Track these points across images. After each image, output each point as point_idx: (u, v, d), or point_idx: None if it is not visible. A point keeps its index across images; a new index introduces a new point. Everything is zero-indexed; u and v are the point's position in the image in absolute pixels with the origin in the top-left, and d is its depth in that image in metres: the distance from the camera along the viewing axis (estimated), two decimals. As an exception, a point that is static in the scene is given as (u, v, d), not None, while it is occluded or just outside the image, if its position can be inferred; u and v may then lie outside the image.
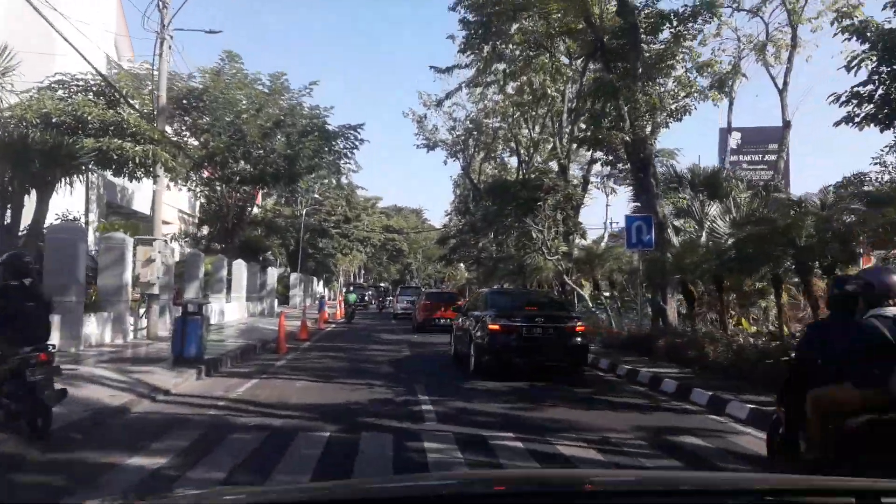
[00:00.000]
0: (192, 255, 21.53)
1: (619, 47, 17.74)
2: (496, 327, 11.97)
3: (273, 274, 35.56)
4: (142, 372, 10.58)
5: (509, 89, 34.19)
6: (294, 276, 43.98)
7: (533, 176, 25.07)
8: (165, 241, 17.78)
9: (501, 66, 28.30)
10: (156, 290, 15.93)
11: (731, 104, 28.72)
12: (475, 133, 43.77)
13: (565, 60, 25.46)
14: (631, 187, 24.88)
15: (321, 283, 71.92)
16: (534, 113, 30.29)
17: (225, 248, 29.69)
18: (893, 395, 4.53)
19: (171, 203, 32.69)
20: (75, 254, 12.93)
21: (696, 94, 17.81)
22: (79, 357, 11.88)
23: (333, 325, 28.11)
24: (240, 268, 27.63)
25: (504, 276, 27.37)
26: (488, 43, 26.59)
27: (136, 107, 16.84)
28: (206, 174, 28.95)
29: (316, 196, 49.82)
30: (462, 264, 54.83)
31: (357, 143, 29.63)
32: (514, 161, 45.23)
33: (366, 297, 49.05)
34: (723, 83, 18.56)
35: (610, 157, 17.79)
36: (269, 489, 3.62)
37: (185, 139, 27.61)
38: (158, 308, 17.03)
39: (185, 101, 26.52)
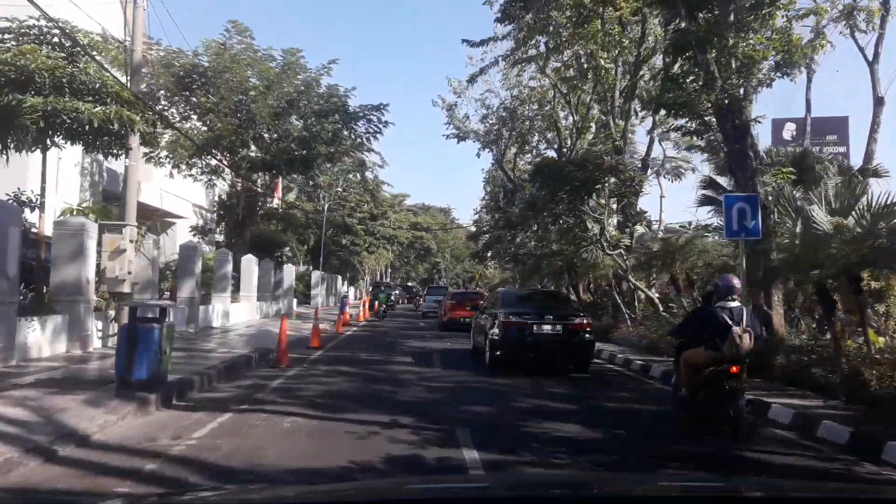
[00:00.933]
0: (185, 248, 18.43)
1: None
2: (508, 324, 12.90)
3: (290, 272, 32.47)
4: (63, 404, 7.37)
5: (550, 67, 30.91)
6: (316, 275, 40.91)
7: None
8: (141, 227, 14.62)
9: (543, 40, 24.93)
10: (125, 288, 12.78)
11: (809, 81, 25.07)
12: (509, 122, 40.35)
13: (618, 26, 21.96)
14: (707, 165, 21.40)
15: (346, 282, 69.01)
16: (581, 91, 26.69)
17: (234, 243, 26.63)
18: (724, 354, 7.31)
19: (184, 196, 29.85)
20: (3, 242, 9.78)
21: (797, 50, 14.14)
22: (-5, 378, 8.75)
23: (354, 329, 24.88)
24: (250, 264, 24.53)
25: (549, 275, 23.89)
26: (530, 11, 23.25)
27: (107, 67, 13.63)
28: (214, 161, 25.94)
29: (339, 190, 46.76)
30: (493, 263, 51.41)
31: (380, 125, 26.32)
32: (550, 154, 41.75)
33: (392, 297, 45.81)
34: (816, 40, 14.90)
35: (693, 126, 14.14)
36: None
37: (189, 121, 24.59)
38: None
39: (187, 80, 23.49)
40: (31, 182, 14.24)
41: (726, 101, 13.12)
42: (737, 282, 7.88)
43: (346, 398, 9.43)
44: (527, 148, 43.64)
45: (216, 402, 8.86)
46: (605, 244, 17.61)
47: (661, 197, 25.88)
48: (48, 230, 12.83)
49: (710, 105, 13.60)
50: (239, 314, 22.99)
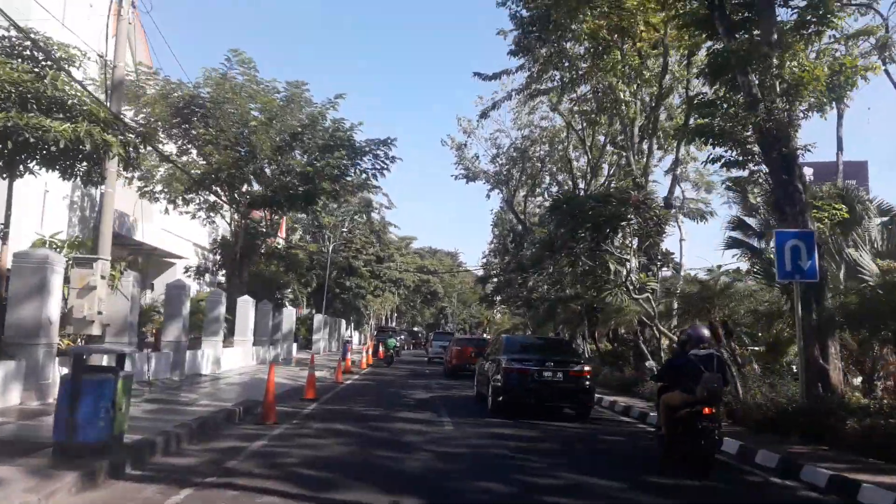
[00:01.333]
0: (172, 288, 16.96)
1: (740, 8, 13.00)
2: (510, 371, 13.20)
3: (291, 314, 30.92)
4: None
5: (565, 104, 29.81)
6: (318, 318, 39.35)
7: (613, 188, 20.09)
8: (119, 262, 13.21)
9: (559, 75, 23.81)
10: (94, 330, 11.28)
11: (840, 117, 23.80)
12: (520, 162, 39.22)
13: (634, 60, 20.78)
14: (733, 205, 19.93)
15: (351, 325, 67.26)
16: (598, 124, 25.45)
17: (231, 283, 25.17)
18: (698, 396, 7.98)
19: (185, 235, 28.57)
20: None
21: (851, 72, 12.80)
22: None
23: (356, 377, 23.20)
24: (246, 306, 23.00)
25: (565, 322, 22.27)
26: (545, 43, 22.18)
27: (80, 82, 12.38)
28: (212, 197, 24.68)
29: (344, 231, 45.48)
30: (502, 308, 49.82)
31: (387, 161, 25.05)
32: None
33: (397, 343, 44.12)
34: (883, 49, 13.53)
35: (734, 156, 12.71)
36: None
37: (188, 155, 23.39)
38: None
39: (186, 111, 22.37)
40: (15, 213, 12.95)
41: (771, 127, 11.74)
42: (706, 332, 8.97)
43: (338, 468, 7.81)
44: (538, 191, 42.44)
45: (178, 471, 7.27)
46: (630, 287, 16.05)
47: (681, 240, 24.48)
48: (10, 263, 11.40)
49: (752, 132, 12.24)
50: (232, 360, 21.39)
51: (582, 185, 31.79)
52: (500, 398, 13.32)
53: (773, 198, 12.44)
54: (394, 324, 72.82)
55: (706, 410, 7.91)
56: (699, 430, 7.90)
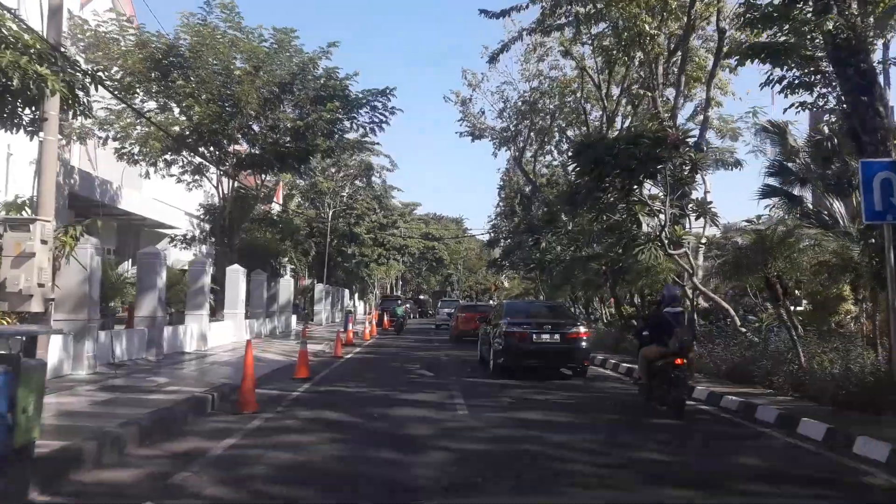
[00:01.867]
0: (144, 256, 15.01)
1: None
2: (510, 334, 13.79)
3: (288, 284, 29.04)
4: None
5: (577, 49, 27.53)
6: (319, 288, 37.54)
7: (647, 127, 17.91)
8: (75, 226, 11.24)
9: (573, 10, 21.46)
10: (35, 306, 9.31)
11: None
12: (529, 116, 36.92)
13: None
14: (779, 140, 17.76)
15: (355, 295, 65.49)
16: (619, 63, 23.10)
17: (219, 252, 23.23)
18: (671, 349, 9.13)
19: (176, 204, 26.54)
20: None
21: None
22: None
23: (357, 350, 21.36)
24: (236, 275, 21.08)
25: (585, 284, 20.27)
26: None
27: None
28: (198, 159, 22.61)
29: (343, 196, 43.38)
30: (511, 273, 47.92)
31: (386, 113, 22.85)
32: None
33: (404, 311, 42.36)
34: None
35: (796, 76, 10.55)
36: None
37: (167, 110, 21.25)
38: (62, 337, 10.54)
39: (164, 62, 20.18)
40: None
41: (848, 37, 9.57)
42: (678, 292, 10.58)
43: (322, 482, 5.88)
44: (547, 148, 40.17)
45: (104, 494, 5.37)
46: (665, 242, 14.00)
47: (706, 193, 22.27)
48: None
49: (820, 47, 10.09)
50: (221, 335, 19.54)
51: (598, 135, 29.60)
52: (501, 360, 14.02)
53: (847, 125, 10.31)
54: (399, 292, 71.03)
55: (678, 361, 9.09)
56: (672, 378, 9.10)
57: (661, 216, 14.41)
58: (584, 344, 13.97)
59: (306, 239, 38.13)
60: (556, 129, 38.56)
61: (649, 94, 21.03)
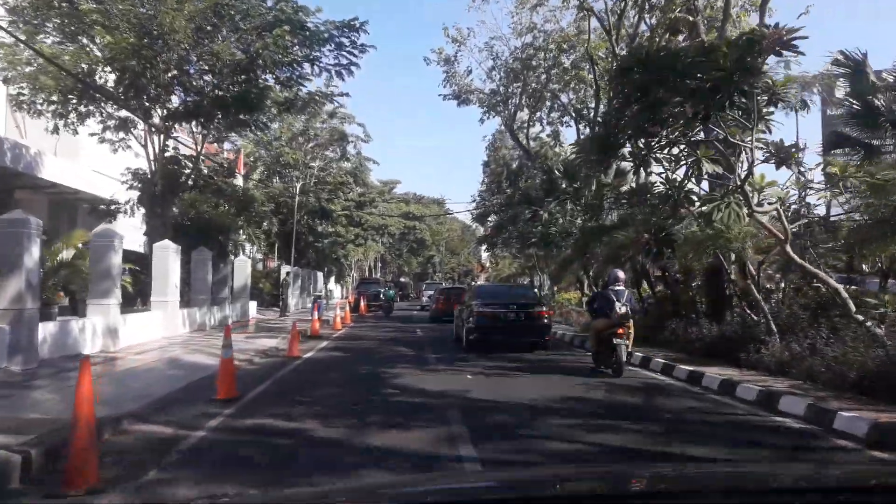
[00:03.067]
0: (5, 224, 10.47)
1: None
2: (480, 313, 15.44)
3: (244, 266, 24.62)
4: None
5: None
6: (286, 271, 33.00)
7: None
8: None
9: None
10: None
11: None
12: (522, 75, 32.56)
13: None
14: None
15: (332, 278, 60.97)
16: None
17: (150, 226, 18.76)
18: (613, 321, 11.04)
19: (107, 172, 21.81)
20: None
21: None
22: None
23: (324, 344, 17.06)
24: (165, 254, 16.60)
25: (610, 260, 16.05)
26: None
27: None
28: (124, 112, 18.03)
29: (312, 166, 38.80)
30: (499, 251, 43.69)
31: (355, 52, 18.38)
32: (570, 132, 34.12)
33: (381, 296, 37.99)
34: None
35: None
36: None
37: (75, 42, 16.61)
38: None
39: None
40: None
41: None
42: (621, 274, 12.25)
43: None
44: (537, 115, 35.82)
45: None
46: (750, 193, 9.80)
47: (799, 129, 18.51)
48: None
49: None
50: (144, 330, 15.13)
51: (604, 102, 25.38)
52: (473, 336, 15.39)
53: None
54: (378, 275, 66.57)
55: (619, 330, 11.08)
56: (614, 344, 11.05)
57: (744, 157, 10.21)
58: (545, 321, 15.92)
59: (271, 215, 33.60)
60: (548, 94, 34.30)
61: (683, 28, 16.71)
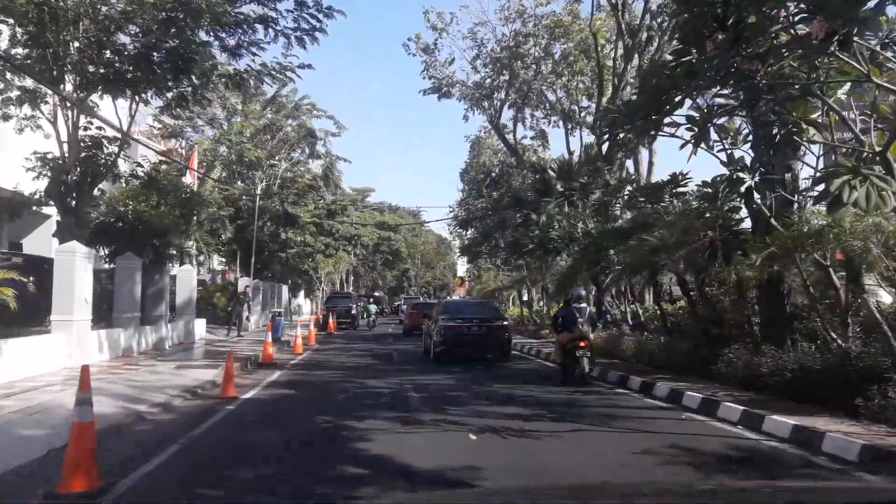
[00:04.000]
0: None
1: None
2: (446, 327, 16.29)
3: (189, 278, 20.93)
4: None
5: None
6: (244, 283, 29.24)
7: None
8: None
9: None
10: None
11: None
12: (510, 64, 29.34)
13: None
14: None
15: (301, 292, 57.09)
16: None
17: (62, 225, 15.05)
18: (576, 335, 11.99)
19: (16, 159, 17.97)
20: None
21: None
22: None
23: (276, 376, 13.45)
24: (71, 261, 12.89)
25: (637, 268, 12.68)
26: None
27: None
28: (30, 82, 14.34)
29: (278, 168, 35.11)
30: (484, 262, 40.28)
31: (319, 16, 14.94)
32: (557, 134, 31.03)
33: (353, 311, 34.35)
34: None
35: None
36: None
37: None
38: None
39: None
40: None
41: None
42: (583, 292, 14.32)
43: None
44: (525, 112, 32.62)
45: None
46: (893, 167, 6.55)
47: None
48: None
49: None
50: (37, 359, 11.42)
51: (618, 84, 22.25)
52: (439, 349, 16.27)
53: None
54: (350, 288, 62.76)
55: (581, 343, 11.94)
56: (577, 356, 11.88)
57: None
58: (506, 334, 16.81)
59: (226, 220, 29.88)
60: (533, 94, 31.16)
61: None
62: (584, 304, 13.00)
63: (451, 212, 66.27)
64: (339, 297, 37.06)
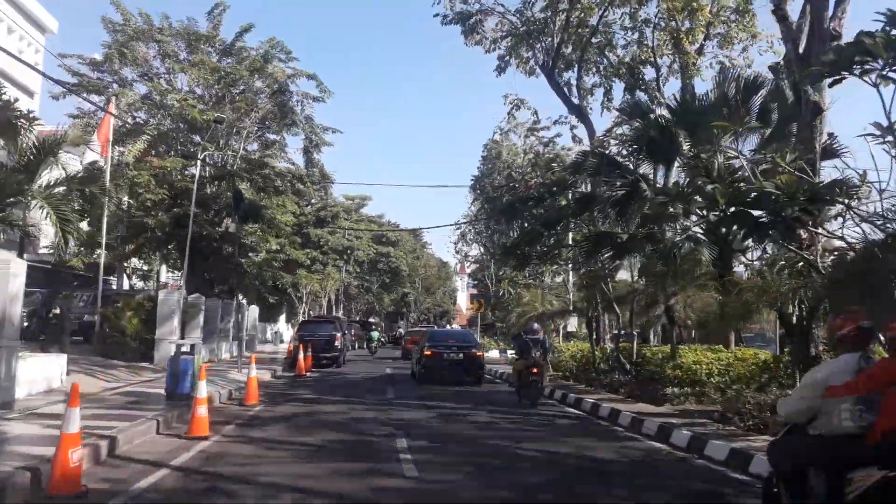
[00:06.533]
0: None
1: None
2: (428, 353, 18.88)
3: (11, 273, 11.13)
4: None
5: None
6: (175, 299, 19.41)
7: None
8: None
9: None
10: None
11: None
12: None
13: None
14: None
15: (283, 316, 47.03)
16: None
17: None
18: (529, 362, 13.87)
19: None
20: None
21: None
22: None
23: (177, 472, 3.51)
24: None
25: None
26: None
27: None
28: None
29: (222, 119, 25.29)
30: (521, 274, 30.21)
31: None
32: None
33: (336, 342, 24.36)
34: None
35: None
36: None
37: None
38: None
39: None
40: None
41: None
42: (536, 325, 15.76)
43: None
44: (591, 57, 22.99)
45: None
46: None
47: None
48: None
49: None
50: None
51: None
52: (422, 371, 18.88)
53: None
54: (340, 312, 52.54)
55: (534, 370, 13.71)
56: (531, 381, 13.71)
57: None
58: (480, 361, 19.34)
59: (160, 207, 20.18)
60: (593, 45, 21.70)
61: None
62: (538, 336, 14.65)
63: (457, 228, 56.94)
64: (318, 322, 27.00)
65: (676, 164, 13.72)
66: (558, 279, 28.72)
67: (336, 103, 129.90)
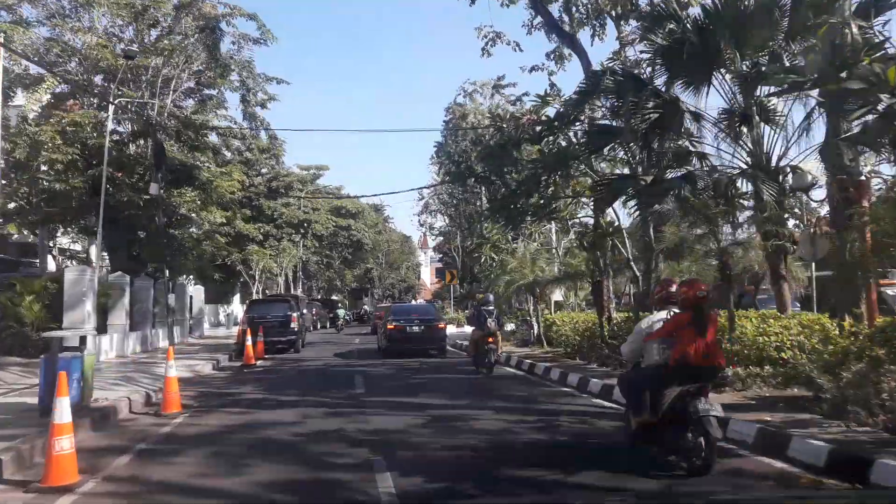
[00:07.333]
0: None
1: None
2: (391, 327, 19.32)
3: None
4: None
5: None
6: (87, 278, 15.72)
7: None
8: None
9: None
10: None
11: None
12: None
13: None
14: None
15: (237, 297, 43.08)
16: None
17: None
18: (485, 332, 14.53)
19: None
20: None
21: None
22: None
23: None
24: None
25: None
26: None
27: None
28: None
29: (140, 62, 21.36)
30: (515, 232, 26.92)
31: None
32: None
33: (292, 324, 20.97)
34: None
35: None
36: None
37: None
38: None
39: None
40: None
41: None
42: (492, 297, 16.78)
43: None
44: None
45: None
46: None
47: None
48: None
49: None
50: None
51: None
52: (386, 345, 19.38)
53: None
54: (299, 290, 48.65)
55: (489, 339, 14.37)
56: (486, 350, 14.28)
57: None
58: (442, 333, 19.95)
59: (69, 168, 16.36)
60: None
61: None
62: (492, 308, 15.39)
63: (420, 198, 53.45)
64: (270, 302, 23.52)
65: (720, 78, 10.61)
66: (534, 244, 25.54)
67: (309, 72, 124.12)
